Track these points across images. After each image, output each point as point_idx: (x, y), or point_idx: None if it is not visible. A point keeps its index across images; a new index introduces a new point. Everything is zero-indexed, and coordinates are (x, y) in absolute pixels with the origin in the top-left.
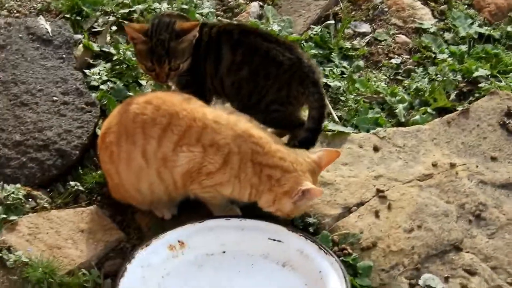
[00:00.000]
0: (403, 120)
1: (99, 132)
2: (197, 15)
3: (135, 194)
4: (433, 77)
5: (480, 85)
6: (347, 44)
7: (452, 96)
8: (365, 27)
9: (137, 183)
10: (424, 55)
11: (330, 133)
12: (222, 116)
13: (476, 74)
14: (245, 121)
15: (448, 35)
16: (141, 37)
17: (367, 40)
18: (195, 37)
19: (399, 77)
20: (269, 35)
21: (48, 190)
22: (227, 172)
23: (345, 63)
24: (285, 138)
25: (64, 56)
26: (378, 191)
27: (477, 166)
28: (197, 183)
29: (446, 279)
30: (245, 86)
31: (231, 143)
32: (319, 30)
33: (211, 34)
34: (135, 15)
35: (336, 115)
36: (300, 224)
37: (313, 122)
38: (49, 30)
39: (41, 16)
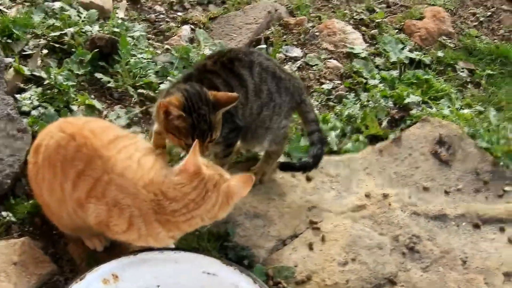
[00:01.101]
0: (335, 148)
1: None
2: (128, 38)
3: (59, 218)
4: (365, 103)
5: (411, 111)
6: None
7: (384, 123)
8: (296, 52)
9: (59, 210)
10: (356, 81)
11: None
12: (131, 167)
13: (407, 100)
14: (149, 166)
15: (379, 60)
16: (183, 114)
17: (298, 65)
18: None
19: (331, 103)
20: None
21: None
22: (135, 233)
23: None
24: None
25: None
26: (312, 222)
27: (409, 197)
28: (110, 235)
29: None
30: (265, 107)
31: (131, 204)
32: None
33: (223, 63)
34: (66, 38)
35: None
36: (234, 257)
37: (318, 145)
38: None
39: None
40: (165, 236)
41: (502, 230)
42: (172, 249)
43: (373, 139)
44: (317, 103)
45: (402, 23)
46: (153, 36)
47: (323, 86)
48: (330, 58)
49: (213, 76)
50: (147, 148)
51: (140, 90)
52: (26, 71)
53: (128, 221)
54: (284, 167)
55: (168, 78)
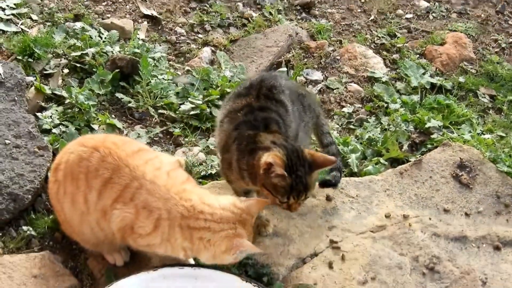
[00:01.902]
0: (355, 170)
1: None
2: (149, 59)
3: (79, 234)
4: (386, 127)
5: (432, 136)
6: None
7: (405, 147)
8: (317, 75)
9: (80, 225)
10: (376, 105)
11: None
12: (160, 177)
13: (428, 124)
14: (181, 182)
15: (400, 85)
16: (285, 175)
17: (319, 88)
18: None
19: (351, 126)
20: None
21: (0, 234)
22: (158, 236)
23: None
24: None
25: (16, 98)
26: (332, 242)
27: (430, 219)
28: (132, 240)
29: None
30: (299, 128)
31: (162, 207)
32: None
33: (266, 95)
34: (87, 58)
35: None
36: (254, 274)
37: (339, 157)
38: (1, 72)
39: None
40: (179, 244)
41: None
42: (191, 265)
43: (394, 162)
44: (338, 126)
45: (424, 48)
46: (174, 58)
47: (344, 109)
48: (351, 82)
49: (267, 112)
50: (174, 162)
51: (160, 111)
52: (47, 90)
53: (155, 223)
54: (324, 184)
55: (189, 99)
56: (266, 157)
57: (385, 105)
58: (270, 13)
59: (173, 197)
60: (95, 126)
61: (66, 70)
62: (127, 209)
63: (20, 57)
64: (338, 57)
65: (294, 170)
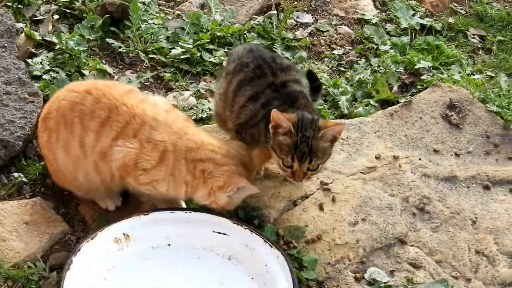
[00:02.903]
0: (346, 112)
1: None
2: (139, 4)
3: (72, 181)
4: (376, 68)
5: (422, 77)
6: (290, 35)
7: (395, 88)
8: (307, 18)
9: (74, 172)
10: (366, 47)
11: None
12: (160, 114)
13: (418, 66)
14: (183, 119)
15: (390, 26)
16: (292, 128)
17: (309, 31)
18: (336, 139)
19: (342, 69)
20: None
21: None
22: (163, 170)
23: (287, 54)
24: None
25: (6, 45)
26: (322, 184)
27: (420, 159)
28: (133, 178)
29: (391, 273)
30: None
31: (167, 140)
32: (262, 20)
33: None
34: (77, 4)
35: None
36: (244, 217)
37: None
38: None
39: None
40: (183, 178)
41: None
42: (183, 209)
43: (384, 104)
44: (328, 68)
45: None
46: (164, 2)
47: (334, 52)
48: (341, 24)
49: (289, 87)
50: (168, 102)
51: (151, 55)
52: (37, 36)
53: (160, 155)
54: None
55: (179, 43)
56: (276, 115)
57: (375, 47)
58: None
59: (177, 132)
60: (86, 72)
61: (56, 16)
62: (130, 144)
63: (10, 3)
64: (328, 0)
65: (302, 130)
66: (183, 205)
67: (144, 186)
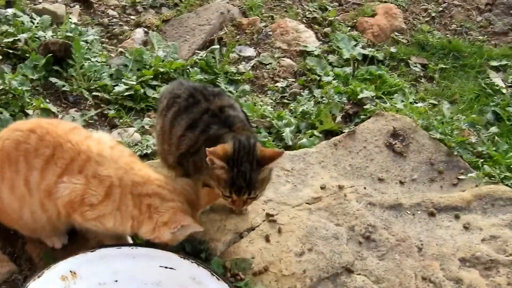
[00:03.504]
0: (290, 143)
1: None
2: (82, 43)
3: (18, 220)
4: (319, 99)
5: (365, 106)
6: (233, 69)
7: (338, 119)
8: (250, 51)
9: (20, 211)
10: (309, 78)
11: None
12: (105, 150)
13: (361, 95)
14: (128, 155)
15: (332, 57)
16: (225, 166)
17: (252, 64)
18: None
19: (285, 101)
20: None
21: None
22: (109, 205)
23: (231, 88)
24: None
25: None
26: (268, 215)
27: (365, 188)
28: (80, 214)
29: None
30: None
31: (113, 175)
32: (204, 55)
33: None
34: (20, 44)
35: None
36: (191, 250)
37: None
38: None
39: None
40: (129, 213)
41: (457, 217)
42: (129, 245)
43: (328, 134)
44: (272, 101)
45: (355, 21)
46: (107, 40)
47: (277, 84)
48: (283, 57)
49: (226, 112)
50: (112, 139)
51: (94, 93)
52: None
53: (106, 190)
54: None
55: (123, 80)
56: (211, 150)
57: (318, 78)
58: None
59: (123, 167)
60: (30, 111)
61: None
62: (76, 180)
63: None
64: (270, 33)
65: (238, 164)
66: (130, 240)
67: (91, 222)
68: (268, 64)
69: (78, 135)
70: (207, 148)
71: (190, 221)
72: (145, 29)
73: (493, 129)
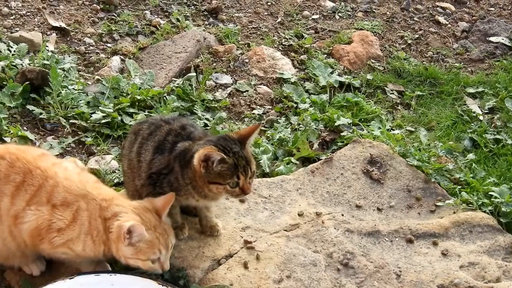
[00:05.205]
0: (267, 170)
1: None
2: (59, 70)
3: None
4: (296, 127)
5: (342, 133)
6: (209, 96)
7: (315, 146)
8: (226, 79)
9: None
10: (286, 105)
11: None
12: (73, 176)
13: (338, 122)
14: (93, 181)
15: (309, 85)
16: (224, 156)
17: (229, 91)
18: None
19: (262, 128)
20: None
21: None
22: (76, 228)
23: (208, 115)
24: None
25: None
26: (246, 242)
27: (342, 215)
28: (47, 241)
29: None
30: None
31: (81, 200)
32: (181, 82)
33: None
34: None
35: None
36: (170, 278)
37: None
38: None
39: None
40: (101, 237)
41: (435, 244)
42: (108, 272)
43: (305, 161)
44: None
45: (331, 48)
46: (84, 68)
47: (254, 111)
48: (260, 84)
49: (188, 129)
50: (77, 166)
51: (72, 121)
52: None
53: (74, 214)
54: None
55: (100, 108)
56: (199, 154)
57: (295, 105)
58: (178, 20)
59: (90, 192)
60: (7, 139)
61: None
62: (41, 208)
63: None
64: (247, 60)
65: (229, 150)
66: (108, 267)
67: (59, 249)
68: (244, 92)
69: (46, 162)
70: (196, 154)
71: (130, 222)
72: (122, 57)
73: (470, 155)
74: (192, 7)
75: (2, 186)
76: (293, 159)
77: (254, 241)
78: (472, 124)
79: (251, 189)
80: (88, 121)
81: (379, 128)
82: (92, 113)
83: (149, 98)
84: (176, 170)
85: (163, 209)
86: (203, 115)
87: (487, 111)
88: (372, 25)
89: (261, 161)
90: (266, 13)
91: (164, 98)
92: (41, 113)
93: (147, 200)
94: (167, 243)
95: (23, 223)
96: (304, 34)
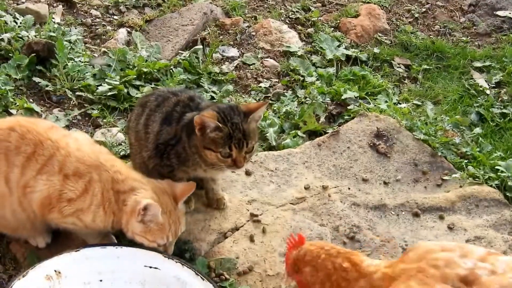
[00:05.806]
0: (274, 144)
1: None
2: (65, 42)
3: (0, 220)
4: (302, 100)
5: (349, 107)
6: (216, 69)
7: (322, 119)
8: (233, 52)
9: (1, 210)
10: (293, 78)
11: None
12: (84, 146)
13: (344, 96)
14: (106, 153)
15: (315, 58)
16: (219, 124)
17: (235, 64)
18: (260, 117)
19: (269, 101)
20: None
21: None
22: (87, 199)
23: (214, 88)
24: None
25: None
26: (252, 215)
27: (349, 188)
28: (57, 211)
29: None
30: None
31: (93, 171)
32: (188, 55)
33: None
34: (3, 44)
35: None
36: (176, 250)
37: None
38: None
39: None
40: (112, 208)
41: (441, 218)
42: (113, 245)
43: (312, 135)
44: (255, 101)
45: (338, 21)
46: (90, 40)
47: (261, 84)
48: (267, 57)
49: (195, 100)
50: (89, 138)
51: (78, 93)
52: None
53: (86, 185)
54: None
55: (106, 80)
56: (196, 117)
57: (302, 78)
58: None
59: (103, 164)
60: (13, 111)
61: None
62: (54, 178)
63: None
64: (254, 33)
65: (228, 119)
66: (114, 240)
67: (69, 218)
68: (251, 65)
69: (56, 134)
70: (195, 117)
71: (147, 200)
72: (128, 29)
73: (477, 130)
74: None
75: (12, 157)
76: (299, 133)
77: (260, 214)
78: (478, 98)
79: (244, 164)
80: (94, 94)
81: (386, 101)
82: (98, 86)
83: (155, 70)
84: (183, 139)
85: (182, 197)
86: (209, 88)
87: (494, 85)
88: None
89: (267, 134)
90: None
91: (171, 70)
92: (47, 85)
93: (167, 182)
94: (177, 232)
95: (33, 192)
96: (311, 7)
